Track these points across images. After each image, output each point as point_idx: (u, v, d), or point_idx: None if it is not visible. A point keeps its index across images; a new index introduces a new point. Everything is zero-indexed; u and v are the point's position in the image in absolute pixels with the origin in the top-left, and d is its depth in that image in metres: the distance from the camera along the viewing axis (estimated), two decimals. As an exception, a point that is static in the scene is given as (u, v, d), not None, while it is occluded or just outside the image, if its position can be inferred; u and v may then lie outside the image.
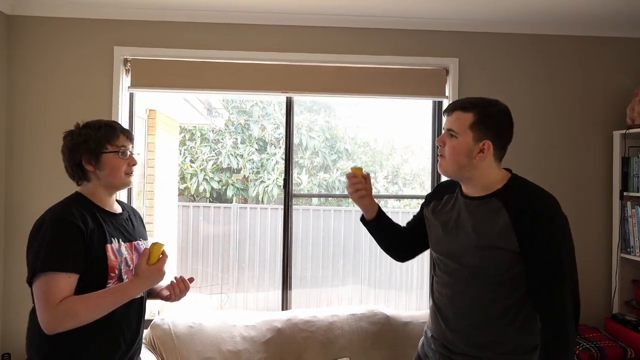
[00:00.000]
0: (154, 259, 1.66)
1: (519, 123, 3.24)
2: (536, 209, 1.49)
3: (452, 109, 1.61)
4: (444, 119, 1.66)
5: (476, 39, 3.24)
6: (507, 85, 3.26)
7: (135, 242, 1.76)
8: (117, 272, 1.63)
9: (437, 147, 1.67)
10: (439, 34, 3.22)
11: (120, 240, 1.69)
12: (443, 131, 1.64)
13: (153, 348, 2.77)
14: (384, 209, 1.88)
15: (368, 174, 1.79)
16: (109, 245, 1.63)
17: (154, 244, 1.68)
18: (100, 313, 1.56)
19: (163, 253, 1.68)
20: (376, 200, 1.85)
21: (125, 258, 1.68)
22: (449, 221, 1.67)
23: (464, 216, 1.62)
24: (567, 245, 1.51)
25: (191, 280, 1.84)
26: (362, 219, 1.88)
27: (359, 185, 1.76)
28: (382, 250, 1.92)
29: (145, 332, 2.73)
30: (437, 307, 1.70)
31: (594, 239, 3.29)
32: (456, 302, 1.62)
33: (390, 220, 1.88)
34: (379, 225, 1.85)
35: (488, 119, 1.57)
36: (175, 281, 1.82)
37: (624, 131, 3.15)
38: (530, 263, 1.49)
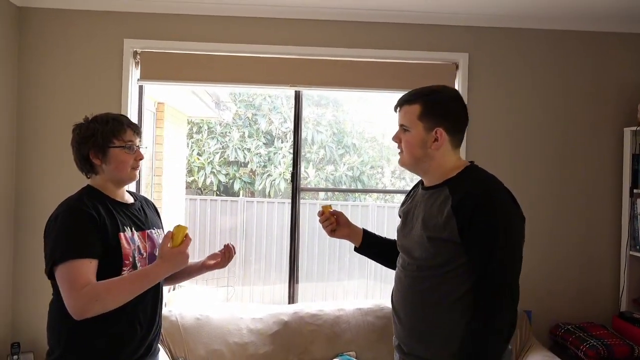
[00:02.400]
0: (177, 242, 1.62)
1: (529, 119, 3.25)
2: (477, 195, 1.46)
3: (399, 104, 1.63)
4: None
5: (486, 34, 3.22)
6: (517, 81, 3.24)
7: (149, 231, 1.78)
8: (131, 259, 1.65)
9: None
10: (448, 29, 3.20)
11: (133, 229, 1.71)
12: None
13: (160, 340, 2.79)
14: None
15: (335, 211, 1.87)
16: (121, 234, 1.65)
17: (177, 227, 1.65)
18: (126, 297, 1.56)
19: (186, 236, 1.64)
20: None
21: (138, 246, 1.70)
22: (408, 214, 1.68)
23: (419, 208, 1.62)
24: (507, 236, 1.45)
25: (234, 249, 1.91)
26: (355, 249, 1.92)
27: (327, 222, 1.85)
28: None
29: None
30: (392, 304, 1.69)
31: (603, 236, 3.27)
32: (407, 296, 1.60)
33: (381, 239, 1.91)
34: (368, 249, 1.90)
35: (435, 107, 1.56)
36: (227, 247, 1.90)
37: (634, 128, 3.12)
38: (468, 251, 1.46)
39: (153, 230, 1.80)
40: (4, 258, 2.97)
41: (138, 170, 1.75)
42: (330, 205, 1.88)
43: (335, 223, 1.85)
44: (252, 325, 2.91)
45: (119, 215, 1.68)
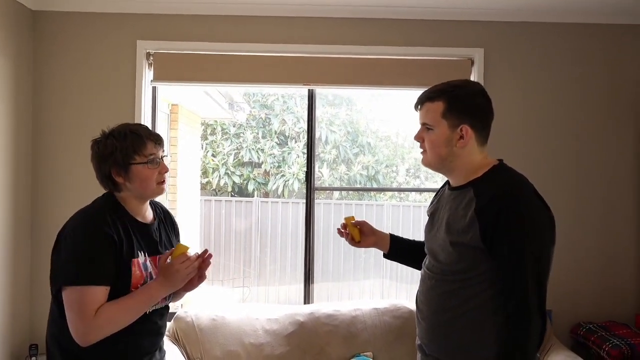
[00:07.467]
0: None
1: (546, 114, 3.19)
2: (502, 198, 1.39)
3: (421, 101, 1.54)
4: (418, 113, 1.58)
5: (502, 29, 3.16)
6: (534, 75, 3.18)
7: (159, 257, 1.67)
8: (139, 287, 1.56)
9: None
10: (463, 24, 3.15)
11: (146, 254, 1.61)
12: (419, 126, 1.56)
13: (176, 340, 2.79)
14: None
15: (357, 221, 1.80)
16: (135, 260, 1.56)
17: (178, 245, 1.61)
18: (132, 319, 1.51)
19: (184, 255, 1.56)
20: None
21: (150, 272, 1.61)
22: (434, 215, 1.63)
23: (444, 210, 1.56)
24: (534, 242, 1.39)
25: (210, 256, 1.67)
26: (384, 255, 1.87)
27: (348, 235, 1.79)
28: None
29: (169, 325, 2.75)
30: (416, 304, 1.65)
31: (624, 233, 3.20)
32: (429, 297, 1.56)
33: (409, 243, 1.85)
34: (397, 255, 1.84)
35: (459, 103, 1.48)
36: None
37: (656, 122, 3.06)
38: (493, 256, 1.40)
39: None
40: (22, 261, 2.99)
41: (164, 184, 1.62)
42: (352, 217, 1.81)
43: (349, 236, 1.78)
44: (267, 325, 2.90)
45: (135, 239, 1.58)
